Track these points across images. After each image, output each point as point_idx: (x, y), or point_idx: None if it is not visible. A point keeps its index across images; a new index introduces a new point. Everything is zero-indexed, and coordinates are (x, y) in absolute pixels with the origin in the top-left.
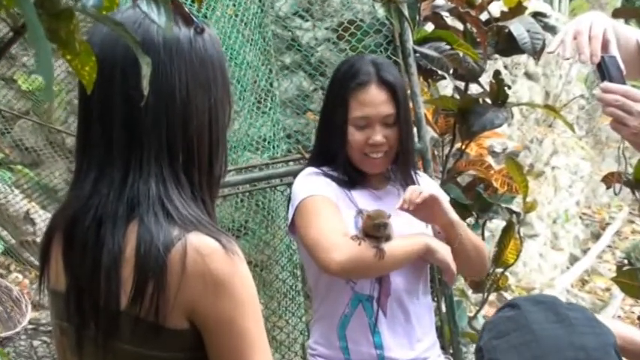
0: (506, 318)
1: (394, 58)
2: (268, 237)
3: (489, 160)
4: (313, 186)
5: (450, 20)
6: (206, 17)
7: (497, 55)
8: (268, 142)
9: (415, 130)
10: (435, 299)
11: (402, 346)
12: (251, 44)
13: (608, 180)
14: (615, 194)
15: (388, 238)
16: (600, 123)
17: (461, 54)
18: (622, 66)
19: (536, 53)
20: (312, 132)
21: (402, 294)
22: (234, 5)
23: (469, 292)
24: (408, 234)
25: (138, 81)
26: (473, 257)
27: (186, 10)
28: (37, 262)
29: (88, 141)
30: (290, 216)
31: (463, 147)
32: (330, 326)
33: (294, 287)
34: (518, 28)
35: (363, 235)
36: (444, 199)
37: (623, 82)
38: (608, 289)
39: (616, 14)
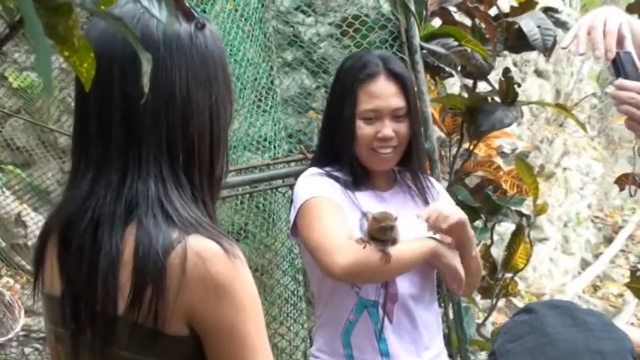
0: (520, 322)
1: (400, 54)
2: (269, 240)
3: (498, 160)
4: (316, 187)
5: (458, 16)
6: (205, 12)
7: (506, 52)
8: (269, 142)
9: (422, 129)
10: (442, 305)
11: (409, 353)
12: (251, 40)
13: (622, 182)
14: (631, 196)
15: (394, 241)
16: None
17: (469, 51)
18: (638, 62)
19: (547, 50)
20: (314, 131)
21: (408, 299)
22: None
23: (477, 298)
24: (415, 238)
25: (137, 78)
26: (473, 276)
27: (187, 4)
28: (28, 267)
29: (85, 140)
30: (292, 218)
31: (471, 147)
32: (333, 333)
33: (296, 293)
34: (528, 23)
35: (368, 238)
36: (466, 220)
37: (639, 79)
38: (620, 295)
39: (630, 9)
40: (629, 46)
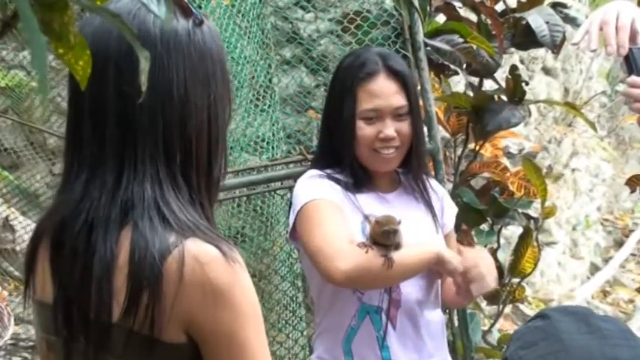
0: (534, 328)
1: (403, 51)
2: (267, 245)
3: (505, 161)
4: (316, 189)
5: (464, 11)
6: (200, 8)
7: (513, 49)
8: (267, 143)
9: (425, 129)
10: (447, 312)
11: None
12: (249, 37)
13: (632, 183)
14: None
15: (398, 246)
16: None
17: (475, 47)
18: None
19: (556, 47)
20: (314, 131)
21: (412, 305)
22: None
23: (483, 304)
24: (419, 242)
25: (133, 76)
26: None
27: (185, 0)
28: (17, 273)
29: (79, 140)
30: (291, 222)
31: (477, 148)
32: (334, 340)
33: (295, 299)
34: (536, 19)
35: (370, 243)
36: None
37: None
38: (631, 301)
39: None
40: None
